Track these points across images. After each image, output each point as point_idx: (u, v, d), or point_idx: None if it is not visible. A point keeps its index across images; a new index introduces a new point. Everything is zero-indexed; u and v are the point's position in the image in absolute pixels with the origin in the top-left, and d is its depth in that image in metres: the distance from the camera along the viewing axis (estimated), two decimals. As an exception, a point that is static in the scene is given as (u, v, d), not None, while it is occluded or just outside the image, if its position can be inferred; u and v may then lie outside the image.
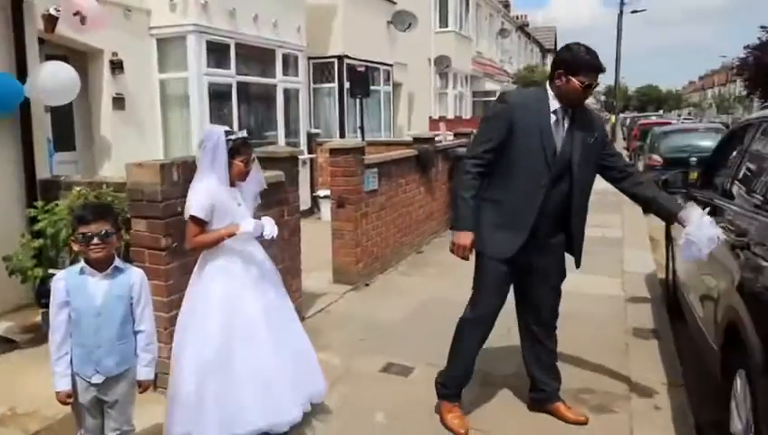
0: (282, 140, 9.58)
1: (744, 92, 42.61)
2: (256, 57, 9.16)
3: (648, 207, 3.33)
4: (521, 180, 3.04)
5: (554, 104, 3.06)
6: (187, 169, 3.50)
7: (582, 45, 3.06)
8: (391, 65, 14.13)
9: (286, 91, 9.78)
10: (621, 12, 33.19)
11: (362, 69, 10.20)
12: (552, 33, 41.58)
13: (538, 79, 30.44)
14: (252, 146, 3.11)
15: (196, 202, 2.88)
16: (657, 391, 3.66)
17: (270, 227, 3.01)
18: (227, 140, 2.93)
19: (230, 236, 2.92)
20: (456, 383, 3.36)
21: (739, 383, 2.84)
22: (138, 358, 2.59)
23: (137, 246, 3.50)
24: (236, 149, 2.96)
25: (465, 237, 3.09)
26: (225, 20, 8.26)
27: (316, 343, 4.46)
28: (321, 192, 9.73)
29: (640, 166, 13.74)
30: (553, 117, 3.06)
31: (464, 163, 3.16)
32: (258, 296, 3.01)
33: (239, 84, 8.62)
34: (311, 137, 10.61)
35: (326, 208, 8.71)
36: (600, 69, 3.04)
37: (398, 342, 4.54)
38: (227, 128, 3.03)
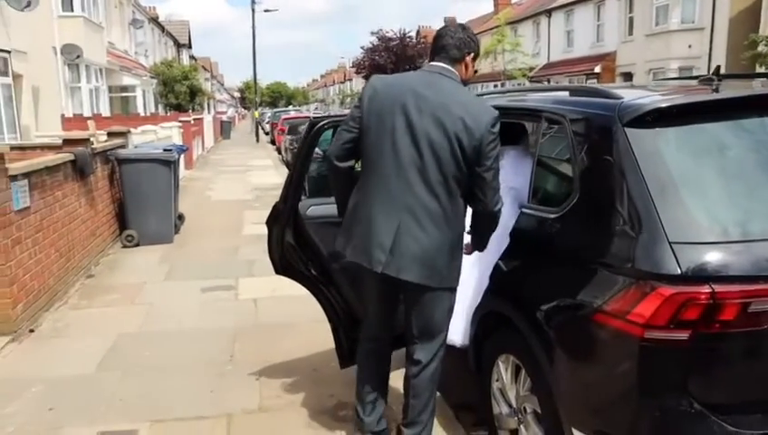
0: None
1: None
2: None
3: None
4: None
5: None
6: None
7: None
8: (9, 52, 11.63)
9: None
10: (253, 11, 34.29)
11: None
12: (186, 28, 40.34)
13: (177, 74, 29.16)
14: None
15: None
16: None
17: None
18: None
19: None
20: None
21: (502, 368, 2.90)
22: None
23: None
24: None
25: None
26: None
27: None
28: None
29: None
30: None
31: None
32: None
33: None
34: None
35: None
36: None
37: (102, 401, 3.54)
38: None
